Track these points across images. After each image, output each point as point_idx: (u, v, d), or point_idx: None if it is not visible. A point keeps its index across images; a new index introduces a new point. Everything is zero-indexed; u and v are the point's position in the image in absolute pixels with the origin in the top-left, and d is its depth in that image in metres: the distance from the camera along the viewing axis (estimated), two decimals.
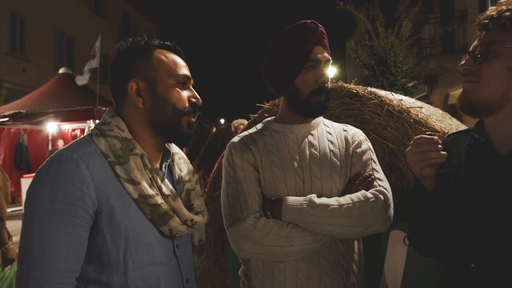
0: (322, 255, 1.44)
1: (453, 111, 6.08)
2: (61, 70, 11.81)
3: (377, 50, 8.49)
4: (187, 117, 1.27)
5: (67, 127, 11.41)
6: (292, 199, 1.41)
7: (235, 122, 5.34)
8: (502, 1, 1.20)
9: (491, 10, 1.20)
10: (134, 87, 1.22)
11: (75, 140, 1.22)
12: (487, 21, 1.18)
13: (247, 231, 1.38)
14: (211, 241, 2.54)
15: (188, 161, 1.47)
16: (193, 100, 1.29)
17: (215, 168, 2.50)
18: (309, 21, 1.52)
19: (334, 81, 2.27)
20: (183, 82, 1.28)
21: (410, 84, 8.90)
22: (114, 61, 1.29)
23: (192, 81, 1.32)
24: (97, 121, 7.34)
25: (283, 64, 1.51)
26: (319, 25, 1.53)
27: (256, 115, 2.39)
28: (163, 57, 1.27)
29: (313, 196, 1.41)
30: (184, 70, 1.29)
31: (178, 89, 1.26)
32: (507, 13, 1.13)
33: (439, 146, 1.23)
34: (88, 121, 9.48)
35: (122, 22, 22.82)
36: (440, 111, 2.46)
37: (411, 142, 1.27)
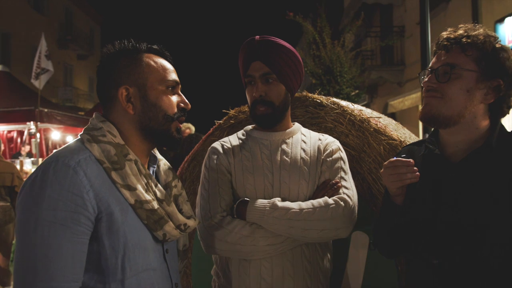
0: (286, 257, 1.52)
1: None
2: None
3: (324, 60, 8.83)
4: (176, 122, 1.28)
5: (3, 128, 10.70)
6: (257, 201, 1.50)
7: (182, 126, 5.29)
8: (461, 26, 1.36)
9: (449, 33, 1.34)
10: (124, 94, 1.22)
11: (66, 145, 1.20)
12: (447, 43, 1.32)
13: (212, 229, 1.47)
14: None
15: (171, 167, 1.47)
16: (182, 105, 1.30)
17: (178, 172, 2.52)
18: (255, 37, 1.60)
19: (299, 91, 2.39)
20: (172, 87, 1.29)
21: (353, 93, 9.33)
22: (101, 65, 1.27)
23: (180, 86, 1.33)
24: (38, 123, 6.92)
25: (242, 77, 1.67)
26: (265, 38, 1.59)
27: (221, 121, 2.45)
28: (152, 63, 1.27)
29: (277, 200, 1.50)
30: (173, 75, 1.30)
31: (168, 94, 1.27)
32: (469, 40, 1.28)
33: (415, 167, 1.32)
34: (28, 123, 8.95)
35: (64, 20, 21.83)
36: (394, 121, 2.66)
37: (385, 163, 1.36)
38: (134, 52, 1.27)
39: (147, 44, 1.30)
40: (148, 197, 1.18)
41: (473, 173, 1.27)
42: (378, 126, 2.12)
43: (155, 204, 1.19)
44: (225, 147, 1.64)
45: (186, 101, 1.32)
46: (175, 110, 1.28)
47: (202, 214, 1.53)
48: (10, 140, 10.63)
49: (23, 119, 8.87)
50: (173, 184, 1.37)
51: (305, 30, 9.63)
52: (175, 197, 1.35)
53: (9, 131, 10.93)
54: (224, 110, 2.48)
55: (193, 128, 5.73)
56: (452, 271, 1.27)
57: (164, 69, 1.28)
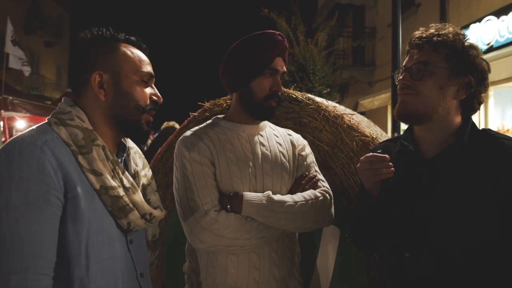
0: (273, 248, 1.55)
1: None
2: None
3: (297, 57, 8.89)
4: (147, 114, 1.29)
5: None
6: (251, 195, 1.50)
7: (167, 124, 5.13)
8: (432, 25, 1.41)
9: (421, 32, 1.39)
10: (97, 79, 1.21)
11: (30, 128, 1.17)
12: (420, 42, 1.37)
13: (208, 224, 1.44)
14: None
15: (143, 156, 1.47)
16: (155, 98, 1.31)
17: (150, 164, 2.50)
18: (277, 32, 1.63)
19: None
20: (146, 80, 1.29)
21: (325, 92, 9.44)
22: (76, 50, 1.26)
23: (154, 79, 1.33)
24: (2, 111, 6.67)
25: (245, 64, 1.59)
26: (285, 39, 1.65)
27: (196, 113, 2.45)
28: (129, 52, 1.27)
29: (270, 193, 1.52)
30: (148, 67, 1.30)
31: (141, 86, 1.27)
32: (439, 38, 1.33)
33: (390, 163, 1.36)
34: None
35: (30, 5, 21.03)
36: (366, 119, 2.72)
37: (362, 159, 1.41)
38: (112, 40, 1.27)
39: (125, 35, 1.30)
40: (113, 183, 1.17)
41: (445, 169, 1.32)
42: (352, 122, 2.17)
43: (121, 191, 1.18)
44: (203, 137, 1.60)
45: (159, 94, 1.33)
46: (148, 102, 1.28)
47: (192, 209, 1.49)
48: None
49: None
50: (142, 173, 1.36)
51: (280, 27, 9.67)
52: (144, 187, 1.34)
53: None
54: (200, 103, 2.48)
55: (177, 126, 5.64)
56: (422, 264, 1.31)
57: (140, 60, 1.29)
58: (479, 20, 8.24)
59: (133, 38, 1.31)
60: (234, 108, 1.69)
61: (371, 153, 1.40)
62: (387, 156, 1.37)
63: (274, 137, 1.70)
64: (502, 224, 1.23)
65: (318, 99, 2.34)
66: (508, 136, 1.34)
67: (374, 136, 2.13)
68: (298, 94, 2.29)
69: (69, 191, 1.09)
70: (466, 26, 8.67)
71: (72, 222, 1.09)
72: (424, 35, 1.36)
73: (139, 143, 1.41)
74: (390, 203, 1.41)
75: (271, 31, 1.64)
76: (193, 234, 1.47)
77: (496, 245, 1.24)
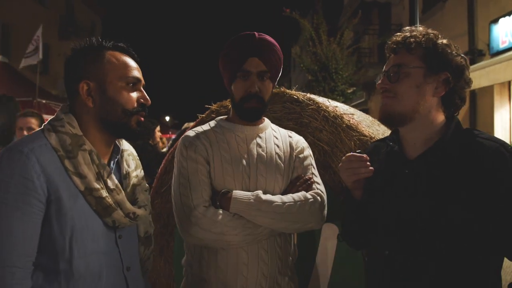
0: (262, 246, 1.60)
1: None
2: None
3: (320, 57, 8.89)
4: (136, 116, 1.36)
5: None
6: (240, 193, 1.56)
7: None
8: (405, 28, 1.44)
9: (397, 36, 1.42)
10: (85, 88, 1.30)
11: (29, 134, 1.30)
12: (394, 46, 1.41)
13: (196, 219, 1.51)
14: (157, 234, 2.64)
15: (138, 158, 1.56)
16: (142, 100, 1.38)
17: (162, 164, 2.62)
18: (251, 32, 1.66)
19: (277, 86, 2.47)
20: (132, 84, 1.36)
21: (349, 91, 9.40)
22: (68, 61, 1.36)
23: (142, 83, 1.40)
24: None
25: (223, 70, 1.68)
26: (263, 37, 1.66)
27: (203, 115, 2.54)
28: (113, 59, 1.34)
29: (260, 192, 1.57)
30: (134, 72, 1.37)
31: (127, 90, 1.34)
32: (412, 39, 1.36)
33: (368, 162, 1.41)
34: None
35: (65, 12, 21.84)
36: (370, 118, 2.74)
37: (343, 159, 1.46)
38: (98, 49, 1.35)
39: (113, 42, 1.38)
40: (97, 185, 1.26)
41: (426, 170, 1.34)
42: (351, 122, 2.21)
43: (104, 193, 1.27)
44: (201, 137, 1.67)
45: (146, 97, 1.39)
46: (134, 105, 1.35)
47: (184, 203, 1.56)
48: None
49: (21, 110, 8.97)
50: (134, 174, 1.45)
51: (302, 26, 9.69)
52: (133, 186, 1.43)
53: None
54: (207, 105, 2.58)
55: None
56: (400, 262, 1.34)
57: (126, 66, 1.36)
58: (509, 13, 8.00)
59: (121, 45, 1.38)
60: (232, 110, 1.75)
61: (351, 153, 1.44)
62: (365, 155, 1.42)
63: (273, 138, 1.74)
64: (480, 226, 1.24)
65: (320, 99, 2.39)
66: (493, 137, 1.34)
67: (373, 136, 2.16)
68: (299, 95, 2.35)
69: (52, 194, 1.19)
70: (495, 20, 8.43)
71: (56, 220, 1.20)
72: (398, 39, 1.40)
73: (131, 141, 1.49)
74: (373, 203, 1.45)
75: (245, 32, 1.68)
76: (182, 228, 1.55)
77: (472, 245, 1.25)
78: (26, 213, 1.16)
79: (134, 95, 1.37)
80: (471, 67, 7.85)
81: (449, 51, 1.35)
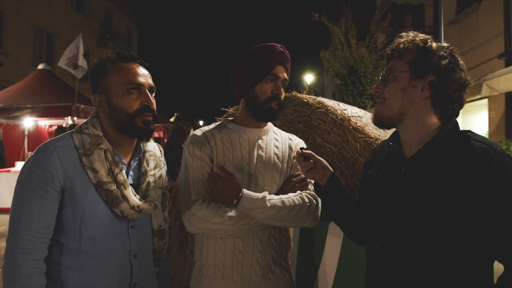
0: (257, 236, 1.75)
1: None
2: (40, 66, 11.78)
3: (349, 61, 8.89)
4: (141, 117, 1.50)
5: (44, 123, 11.40)
6: (247, 193, 1.67)
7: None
8: (402, 34, 1.50)
9: (393, 43, 1.49)
10: (97, 100, 1.53)
11: (62, 134, 1.53)
12: (390, 52, 1.49)
13: (196, 210, 1.67)
14: (177, 231, 2.81)
15: (160, 159, 1.73)
16: (144, 103, 1.51)
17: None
18: (278, 45, 1.83)
19: (289, 90, 2.59)
20: (134, 89, 1.51)
21: None
22: (89, 77, 1.60)
23: (147, 86, 1.53)
24: (75, 118, 7.43)
25: (249, 71, 1.80)
26: (286, 51, 1.84)
27: (221, 118, 2.69)
28: (115, 70, 1.51)
29: (267, 195, 1.68)
30: (134, 78, 1.51)
31: (128, 95, 1.49)
32: (401, 45, 1.44)
33: (301, 157, 1.66)
34: (66, 118, 9.55)
35: (103, 20, 22.76)
36: None
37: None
38: (106, 63, 1.53)
39: (118, 53, 1.56)
40: (106, 179, 1.46)
41: (418, 168, 1.40)
42: (357, 125, 2.29)
43: (112, 186, 1.47)
44: (207, 136, 1.82)
45: (149, 99, 1.52)
46: (135, 108, 1.50)
47: (186, 196, 1.70)
48: (51, 133, 11.35)
49: (61, 114, 9.50)
50: (151, 173, 1.64)
51: (331, 31, 9.72)
52: (148, 183, 1.61)
53: (50, 126, 11.69)
54: (223, 108, 2.73)
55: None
56: (391, 256, 1.41)
57: (126, 74, 1.51)
58: None
59: (126, 54, 1.56)
60: (241, 113, 1.89)
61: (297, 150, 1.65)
62: (299, 151, 1.66)
63: (274, 140, 1.89)
64: (468, 226, 1.27)
65: (329, 102, 2.48)
66: (485, 138, 1.37)
67: (380, 138, 2.23)
68: (309, 99, 2.45)
69: (67, 184, 1.43)
70: None
71: (70, 206, 1.44)
72: (393, 46, 1.48)
73: (143, 140, 1.63)
74: (369, 198, 1.53)
75: (271, 43, 1.84)
76: (184, 218, 1.71)
77: (461, 243, 1.29)
78: (43, 198, 1.40)
79: (136, 99, 1.51)
80: (507, 68, 7.61)
81: (432, 54, 1.40)
